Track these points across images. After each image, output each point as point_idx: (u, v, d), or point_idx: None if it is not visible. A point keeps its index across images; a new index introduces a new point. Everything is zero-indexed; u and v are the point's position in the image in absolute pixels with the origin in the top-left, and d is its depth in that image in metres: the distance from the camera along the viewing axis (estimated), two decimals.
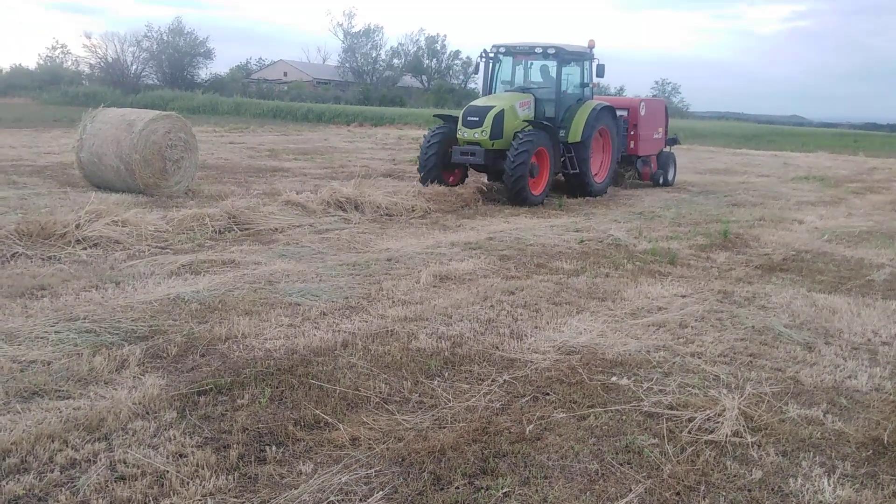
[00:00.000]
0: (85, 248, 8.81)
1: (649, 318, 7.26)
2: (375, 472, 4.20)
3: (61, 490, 3.85)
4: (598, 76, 16.82)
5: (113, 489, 3.87)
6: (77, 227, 9.05)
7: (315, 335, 6.37)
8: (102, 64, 58.70)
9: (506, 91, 16.51)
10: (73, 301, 6.95)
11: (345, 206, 12.68)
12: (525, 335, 6.60)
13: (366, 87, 72.83)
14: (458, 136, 15.21)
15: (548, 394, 5.38)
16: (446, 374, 5.65)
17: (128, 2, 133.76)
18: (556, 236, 11.39)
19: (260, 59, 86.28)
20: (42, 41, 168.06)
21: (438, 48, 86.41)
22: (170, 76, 59.64)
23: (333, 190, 12.94)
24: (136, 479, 3.97)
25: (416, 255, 9.61)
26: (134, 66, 59.48)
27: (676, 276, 9.06)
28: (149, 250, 9.13)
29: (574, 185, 16.44)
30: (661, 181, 19.39)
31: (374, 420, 4.83)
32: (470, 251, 10.01)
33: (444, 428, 4.76)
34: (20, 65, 62.51)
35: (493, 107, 15.03)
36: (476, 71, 17.23)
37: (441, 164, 15.33)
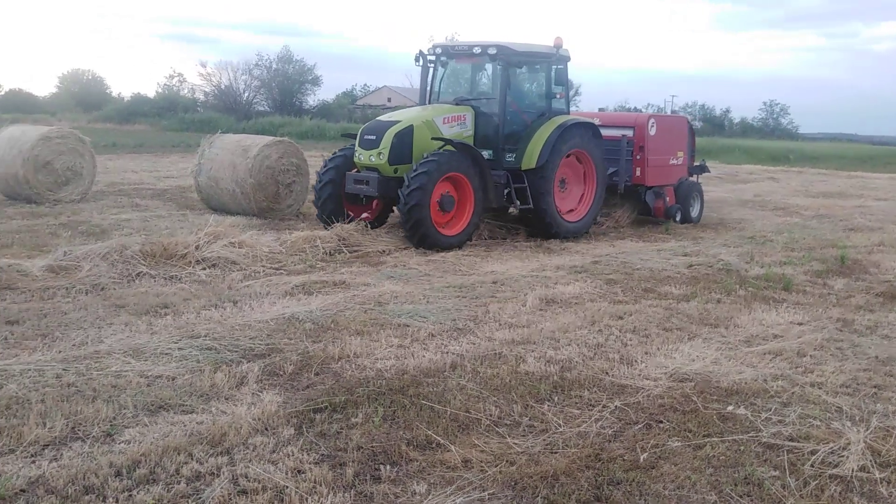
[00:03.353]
0: (204, 269, 9.18)
1: (765, 345, 7.05)
2: (489, 495, 4.22)
3: (188, 501, 4.02)
4: (555, 84, 13.28)
5: (236, 503, 4.01)
6: (197, 248, 9.45)
7: (424, 356, 6.44)
8: (216, 91, 61.15)
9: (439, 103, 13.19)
10: (194, 319, 7.25)
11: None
12: (635, 361, 6.50)
13: None
14: (354, 158, 12.15)
15: (661, 421, 5.29)
16: (556, 399, 5.62)
17: (240, 32, 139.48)
18: (664, 260, 11.19)
19: (365, 85, 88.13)
20: (160, 71, 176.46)
21: None
22: (279, 102, 61.63)
23: None
24: (257, 494, 4.10)
25: (521, 278, 9.61)
26: (246, 94, 61.73)
27: (792, 303, 8.76)
28: (264, 271, 9.44)
29: (533, 223, 13.01)
30: (677, 218, 15.24)
31: (485, 442, 4.85)
32: (575, 274, 9.94)
33: (556, 453, 4.74)
34: (140, 93, 65.79)
35: (396, 122, 11.96)
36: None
37: (342, 194, 12.23)
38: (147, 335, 6.69)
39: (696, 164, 16.87)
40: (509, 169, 12.56)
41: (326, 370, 6.06)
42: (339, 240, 11.10)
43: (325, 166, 12.42)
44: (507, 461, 4.60)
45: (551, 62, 13.00)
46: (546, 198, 12.62)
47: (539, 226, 12.89)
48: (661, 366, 6.40)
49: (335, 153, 12.67)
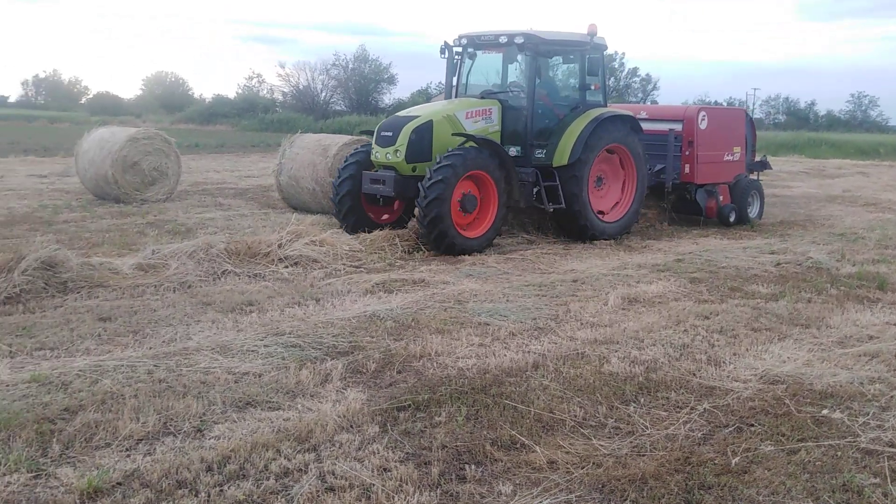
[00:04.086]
0: (286, 267, 9.32)
1: (860, 347, 6.78)
2: (576, 497, 4.15)
3: (277, 497, 4.06)
4: (590, 75, 12.31)
5: (324, 499, 4.04)
6: (279, 246, 9.60)
7: (506, 355, 6.40)
8: (294, 92, 62.20)
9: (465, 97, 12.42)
10: (278, 316, 7.36)
11: (527, 228, 12.74)
12: (723, 362, 6.33)
13: None
14: (371, 157, 11.52)
15: (752, 425, 5.13)
16: (642, 400, 5.51)
17: (317, 32, 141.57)
18: (751, 258, 10.88)
19: (440, 83, 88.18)
20: (240, 72, 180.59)
21: (616, 66, 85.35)
22: (356, 102, 62.27)
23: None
24: (344, 491, 4.13)
25: (601, 277, 9.47)
26: (323, 93, 62.57)
27: (888, 303, 8.41)
28: (344, 269, 9.53)
29: (565, 225, 12.31)
30: (731, 219, 14.14)
31: (570, 444, 4.79)
32: (658, 273, 9.75)
33: (644, 456, 4.64)
34: (221, 94, 67.39)
35: (415, 118, 11.30)
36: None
37: (361, 193, 11.58)
38: (233, 332, 6.82)
39: (757, 160, 15.82)
40: (540, 166, 11.81)
41: (408, 368, 6.07)
42: (418, 237, 11.14)
43: (345, 162, 11.78)
44: (593, 463, 4.53)
45: (585, 51, 12.08)
46: (580, 197, 11.85)
47: (572, 227, 12.13)
48: (750, 367, 6.21)
49: (357, 148, 12.13)
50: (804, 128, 62.08)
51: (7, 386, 5.42)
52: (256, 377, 5.75)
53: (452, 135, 11.14)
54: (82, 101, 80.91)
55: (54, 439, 4.61)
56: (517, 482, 4.30)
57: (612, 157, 12.58)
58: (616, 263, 10.41)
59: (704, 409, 5.37)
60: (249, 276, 8.96)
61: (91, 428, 4.78)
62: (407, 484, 4.21)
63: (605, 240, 12.10)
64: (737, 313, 7.84)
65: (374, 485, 4.18)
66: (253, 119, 54.19)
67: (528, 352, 6.52)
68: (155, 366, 5.87)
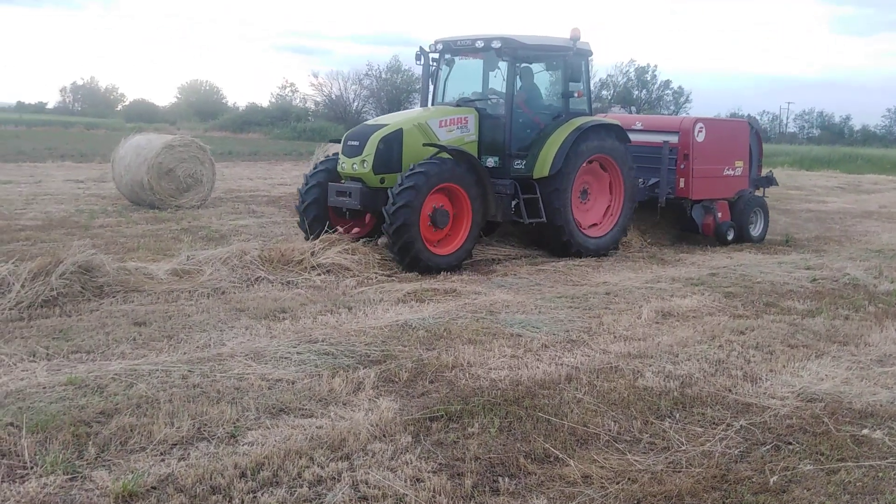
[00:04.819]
0: (319, 275, 9.35)
1: None
2: None
3: None
4: (573, 82, 11.53)
5: None
6: (312, 254, 9.64)
7: (538, 367, 6.36)
8: (327, 101, 62.65)
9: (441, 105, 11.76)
10: (311, 324, 7.38)
11: None
12: (760, 378, 6.24)
13: None
14: (338, 167, 10.85)
15: (790, 443, 5.05)
16: (677, 416, 5.44)
17: (350, 43, 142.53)
18: (786, 273, 10.74)
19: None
20: (274, 81, 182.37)
21: (648, 78, 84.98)
22: (387, 111, 62.62)
23: None
24: (377, 501, 4.11)
25: (634, 290, 9.40)
26: (355, 103, 62.98)
27: None
28: (376, 277, 9.54)
29: (546, 241, 11.68)
30: (729, 237, 13.36)
31: (604, 458, 4.73)
32: (692, 287, 9.65)
33: (680, 472, 4.58)
34: (254, 103, 68.12)
35: (383, 126, 10.63)
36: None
37: (329, 206, 10.86)
38: (266, 339, 6.85)
39: (763, 175, 14.98)
40: (519, 178, 11.15)
41: (441, 378, 6.05)
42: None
43: (314, 169, 11.15)
44: (628, 479, 4.47)
45: (567, 57, 11.31)
46: (562, 210, 11.17)
47: (554, 242, 11.48)
48: (787, 384, 6.12)
49: (327, 156, 11.44)
50: (839, 142, 61.39)
51: (44, 388, 5.48)
52: (290, 384, 5.76)
53: (424, 145, 10.50)
54: (118, 108, 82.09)
55: (90, 442, 4.65)
56: (551, 496, 4.26)
57: (599, 168, 11.97)
58: (649, 276, 10.32)
59: (741, 426, 5.29)
60: (282, 284, 9.00)
61: (126, 432, 4.81)
62: (440, 495, 4.19)
63: (590, 256, 11.50)
64: (773, 329, 7.73)
65: (407, 495, 4.16)
66: (286, 127, 54.61)
67: (562, 364, 6.48)
68: (189, 371, 5.91)
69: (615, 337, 7.34)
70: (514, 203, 11.02)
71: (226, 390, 5.56)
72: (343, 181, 10.70)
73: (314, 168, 11.19)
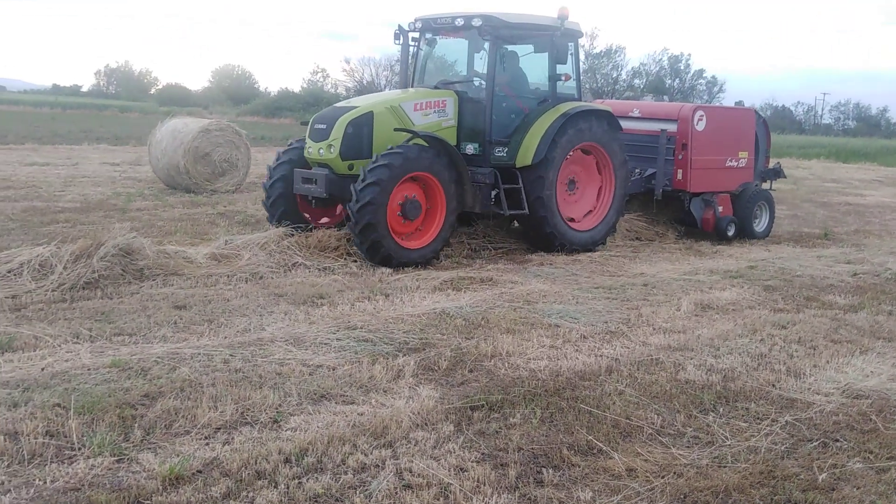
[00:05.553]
0: (355, 261, 9.36)
1: None
2: None
3: (355, 492, 4.05)
4: (558, 63, 10.62)
5: (402, 497, 4.02)
6: (348, 240, 9.63)
7: (578, 358, 6.32)
8: (358, 87, 62.72)
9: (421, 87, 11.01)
10: (349, 310, 7.38)
11: None
12: (803, 374, 6.15)
13: None
14: (304, 153, 10.18)
15: (837, 440, 4.97)
16: (721, 410, 5.38)
17: (383, 30, 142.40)
18: (826, 267, 10.58)
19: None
20: (306, 66, 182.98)
21: (682, 67, 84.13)
22: None
23: None
24: (422, 489, 4.10)
25: (672, 281, 9.31)
26: (386, 89, 63.02)
27: None
28: (412, 266, 9.53)
29: (529, 233, 10.99)
30: (730, 233, 12.59)
31: (648, 451, 4.69)
32: (731, 279, 9.54)
33: (725, 467, 4.52)
34: (287, 88, 68.31)
35: (353, 108, 9.96)
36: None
37: (297, 195, 10.26)
38: (305, 324, 6.87)
39: (770, 167, 14.23)
40: (500, 167, 10.42)
41: (480, 367, 6.03)
42: (484, 236, 11.09)
43: (277, 160, 10.45)
44: (674, 473, 4.42)
45: (554, 37, 10.36)
46: (545, 202, 10.44)
47: (537, 235, 10.77)
48: (832, 380, 6.02)
49: (291, 143, 10.69)
50: (875, 134, 60.38)
51: (89, 370, 5.53)
52: (330, 370, 5.77)
53: (395, 130, 9.79)
54: (152, 92, 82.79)
55: (136, 424, 4.69)
56: (596, 489, 4.23)
57: (588, 157, 11.24)
58: (687, 268, 10.22)
59: (786, 421, 5.22)
60: (319, 270, 9.01)
61: (171, 415, 4.85)
62: (484, 485, 4.17)
63: (577, 251, 10.86)
64: (815, 324, 7.62)
65: (451, 484, 4.15)
66: (316, 113, 54.68)
67: (601, 356, 6.42)
68: (231, 355, 5.94)
69: (654, 329, 7.28)
70: (493, 193, 10.36)
71: (267, 375, 5.58)
72: (312, 167, 10.05)
73: (277, 159, 10.47)
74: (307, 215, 10.39)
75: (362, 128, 9.72)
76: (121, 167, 19.91)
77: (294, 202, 10.27)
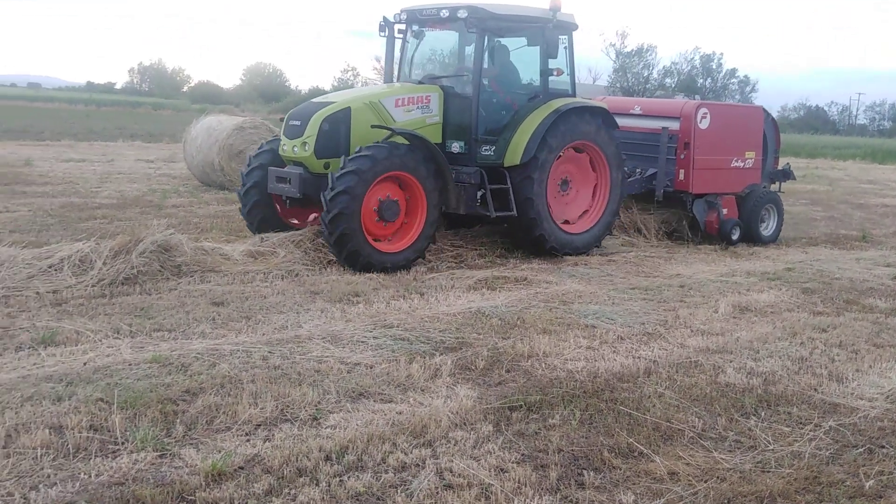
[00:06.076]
0: None
1: None
2: None
3: (396, 491, 4.05)
4: (550, 56, 10.12)
5: (444, 497, 4.01)
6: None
7: (615, 360, 6.27)
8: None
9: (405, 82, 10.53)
10: (384, 309, 7.39)
11: (628, 229, 12.47)
12: (846, 378, 6.06)
13: None
14: (279, 150, 9.72)
15: (883, 447, 4.89)
16: (763, 414, 5.31)
17: None
18: (865, 270, 10.42)
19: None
20: (336, 65, 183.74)
21: (714, 67, 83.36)
22: None
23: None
24: (463, 490, 4.09)
25: (709, 283, 9.21)
26: None
27: None
28: (446, 264, 9.52)
29: (517, 236, 10.42)
30: (734, 236, 11.99)
31: (690, 455, 4.64)
32: (768, 281, 9.43)
33: (769, 472, 4.46)
34: (317, 86, 68.70)
35: (329, 104, 9.44)
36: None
37: (274, 197, 9.81)
38: (342, 322, 6.88)
39: (779, 168, 13.54)
40: (487, 166, 9.88)
41: (516, 367, 6.01)
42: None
43: (248, 164, 9.90)
44: (716, 477, 4.37)
45: (546, 30, 9.92)
46: (535, 203, 9.88)
47: (525, 237, 10.21)
48: (875, 385, 5.93)
49: (262, 145, 10.18)
50: None
51: (130, 365, 5.58)
52: (368, 368, 5.77)
53: (372, 126, 9.29)
54: (184, 90, 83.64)
55: (177, 420, 4.72)
56: (638, 492, 4.19)
57: (582, 156, 10.69)
58: (724, 270, 10.11)
59: (830, 426, 5.14)
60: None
61: (212, 411, 4.88)
62: (526, 486, 4.15)
63: (569, 254, 10.38)
64: (856, 328, 7.50)
65: (492, 485, 4.14)
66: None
67: (639, 357, 6.38)
68: (269, 352, 5.96)
69: (692, 331, 7.21)
70: (479, 194, 9.80)
71: (306, 372, 5.60)
72: (287, 165, 9.56)
73: (248, 164, 9.93)
74: (295, 221, 10.03)
75: (339, 124, 9.27)
76: (155, 164, 20.12)
77: (268, 197, 9.78)
